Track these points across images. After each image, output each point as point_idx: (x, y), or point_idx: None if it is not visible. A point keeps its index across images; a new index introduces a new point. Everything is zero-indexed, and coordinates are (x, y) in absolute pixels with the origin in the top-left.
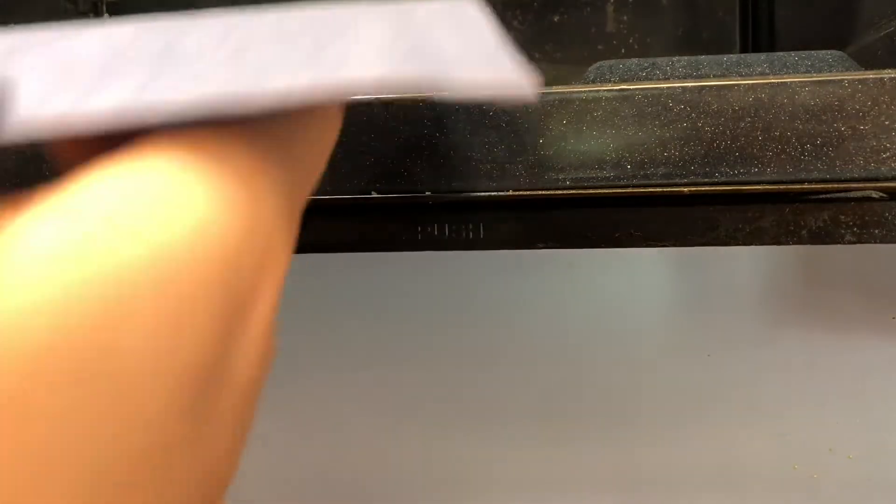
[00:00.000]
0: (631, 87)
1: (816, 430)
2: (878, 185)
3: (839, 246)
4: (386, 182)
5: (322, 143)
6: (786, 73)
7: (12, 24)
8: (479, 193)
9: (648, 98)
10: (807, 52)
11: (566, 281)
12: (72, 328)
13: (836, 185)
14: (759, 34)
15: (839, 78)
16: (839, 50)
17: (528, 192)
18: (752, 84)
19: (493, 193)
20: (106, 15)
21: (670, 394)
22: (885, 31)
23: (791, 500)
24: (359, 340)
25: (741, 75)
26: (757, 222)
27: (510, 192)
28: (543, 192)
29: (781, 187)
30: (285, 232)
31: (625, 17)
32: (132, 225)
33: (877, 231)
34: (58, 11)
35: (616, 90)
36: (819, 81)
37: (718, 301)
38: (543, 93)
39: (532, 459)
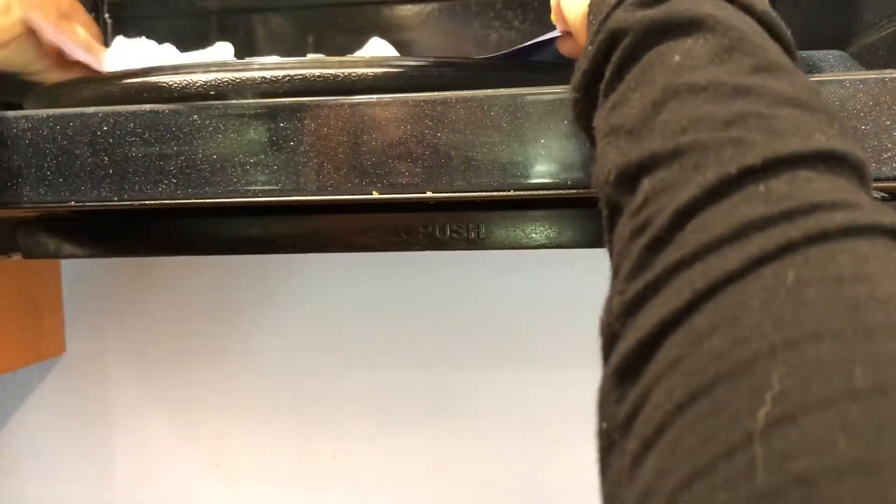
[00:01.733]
0: None
1: None
2: (880, 184)
3: None
4: (386, 182)
5: None
6: None
7: None
8: (479, 193)
9: None
10: (808, 52)
11: (566, 281)
12: None
13: None
14: None
15: (840, 78)
16: (840, 50)
17: (528, 192)
18: None
19: (493, 193)
20: (107, 15)
21: None
22: (886, 31)
23: None
24: (360, 340)
25: None
26: None
27: (510, 192)
28: (543, 192)
29: None
30: None
31: None
32: None
33: None
34: None
35: None
36: (820, 81)
37: None
38: (543, 93)
39: (532, 459)
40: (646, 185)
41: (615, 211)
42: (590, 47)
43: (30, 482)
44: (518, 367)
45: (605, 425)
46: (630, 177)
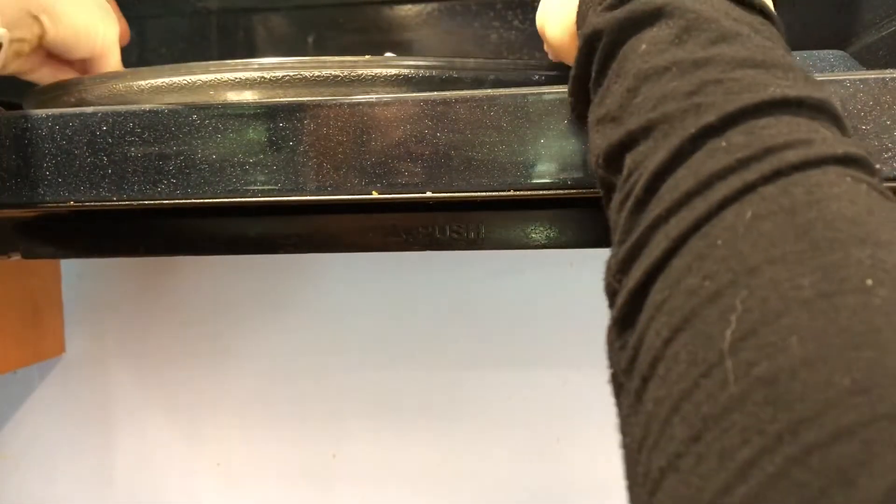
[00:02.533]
0: None
1: None
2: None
3: None
4: (386, 182)
5: None
6: None
7: None
8: (479, 193)
9: None
10: (808, 52)
11: (566, 281)
12: None
13: None
14: None
15: (841, 78)
16: (841, 50)
17: (528, 192)
18: None
19: (492, 193)
20: None
21: None
22: (886, 31)
23: None
24: (360, 340)
25: None
26: None
27: (510, 192)
28: (543, 192)
29: None
30: None
31: None
32: None
33: None
34: None
35: None
36: (820, 81)
37: None
38: (543, 93)
39: (532, 458)
40: (628, 160)
41: (609, 189)
42: (577, 54)
43: (30, 482)
44: (518, 367)
45: (613, 371)
46: (615, 156)
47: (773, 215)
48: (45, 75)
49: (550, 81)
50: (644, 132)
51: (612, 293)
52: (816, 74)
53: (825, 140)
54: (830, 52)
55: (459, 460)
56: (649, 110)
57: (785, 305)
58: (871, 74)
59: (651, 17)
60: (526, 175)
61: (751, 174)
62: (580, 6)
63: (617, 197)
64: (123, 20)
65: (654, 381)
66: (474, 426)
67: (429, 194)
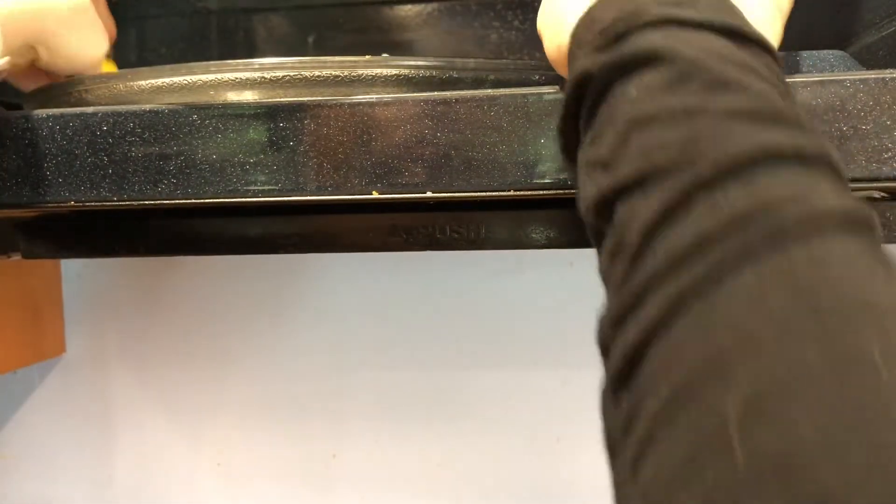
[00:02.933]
0: None
1: None
2: (880, 184)
3: None
4: (386, 182)
5: None
6: (787, 73)
7: None
8: (479, 193)
9: None
10: (808, 52)
11: (566, 281)
12: None
13: None
14: None
15: (841, 78)
16: (841, 50)
17: (528, 192)
18: None
19: (492, 193)
20: None
21: None
22: (886, 31)
23: None
24: (360, 340)
25: None
26: None
27: (510, 192)
28: (543, 192)
29: None
30: None
31: None
32: None
33: None
34: None
35: None
36: (820, 81)
37: None
38: (543, 93)
39: (533, 458)
40: (619, 210)
41: (600, 237)
42: (566, 94)
43: (30, 482)
44: (518, 367)
45: (608, 430)
46: (606, 206)
47: (774, 284)
48: (27, 84)
49: (550, 81)
50: (635, 183)
51: (605, 347)
52: (816, 74)
53: (823, 195)
54: (830, 52)
55: (459, 460)
56: (640, 160)
57: (793, 378)
58: (871, 74)
59: (642, 62)
60: (526, 175)
61: (749, 235)
62: (572, 40)
63: (607, 247)
64: (111, 21)
65: (654, 452)
66: (474, 426)
67: (429, 194)
